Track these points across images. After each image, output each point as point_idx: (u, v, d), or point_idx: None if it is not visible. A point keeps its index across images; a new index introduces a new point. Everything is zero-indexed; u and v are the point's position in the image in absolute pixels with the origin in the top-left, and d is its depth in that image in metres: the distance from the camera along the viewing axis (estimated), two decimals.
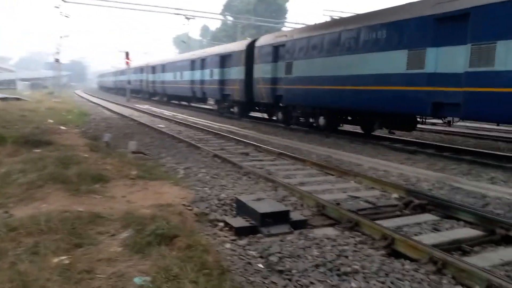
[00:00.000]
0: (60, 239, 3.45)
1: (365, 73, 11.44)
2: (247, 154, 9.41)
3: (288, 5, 57.59)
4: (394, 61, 10.50)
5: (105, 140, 9.86)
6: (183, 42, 50.55)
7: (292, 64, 14.81)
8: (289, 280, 3.30)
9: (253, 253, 3.81)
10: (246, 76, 18.05)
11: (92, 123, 15.90)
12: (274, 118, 17.60)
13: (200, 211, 4.86)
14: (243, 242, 4.06)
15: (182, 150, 9.81)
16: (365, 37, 11.48)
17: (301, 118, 15.25)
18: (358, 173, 7.29)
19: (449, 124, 11.33)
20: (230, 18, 54.31)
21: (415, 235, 4.42)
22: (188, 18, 37.15)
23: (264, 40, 17.40)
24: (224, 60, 20.67)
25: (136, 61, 44.61)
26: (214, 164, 8.11)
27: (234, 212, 4.98)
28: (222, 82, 20.74)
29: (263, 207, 4.45)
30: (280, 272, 3.42)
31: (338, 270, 3.46)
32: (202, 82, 23.60)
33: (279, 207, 4.60)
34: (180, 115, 20.86)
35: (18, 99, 26.08)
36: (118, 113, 20.89)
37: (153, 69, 34.59)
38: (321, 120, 13.89)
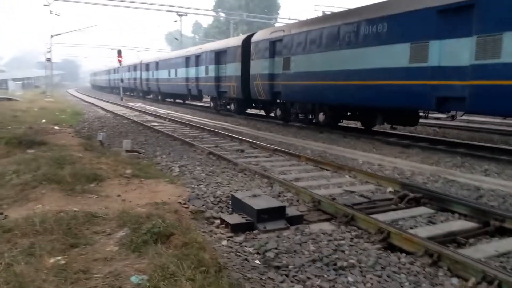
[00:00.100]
0: (56, 239, 3.43)
1: (367, 68, 11.21)
2: (242, 151, 9.41)
3: (280, 1, 57.58)
4: (396, 55, 10.28)
5: (99, 139, 9.81)
6: (175, 39, 50.27)
7: (290, 59, 14.47)
8: (286, 275, 3.31)
9: (250, 249, 3.81)
10: (243, 72, 17.71)
11: (86, 122, 15.81)
12: (272, 115, 17.31)
13: (196, 208, 4.85)
14: (239, 238, 4.07)
15: (177, 148, 9.79)
16: (366, 30, 11.20)
17: (300, 115, 15.02)
18: (353, 168, 7.31)
19: (452, 118, 11.09)
20: (222, 14, 54.13)
21: (411, 228, 4.45)
22: (180, 15, 37.07)
23: (261, 35, 17.02)
24: (219, 56, 20.36)
25: (129, 59, 44.42)
26: (209, 161, 8.10)
27: (230, 209, 4.98)
28: (218, 79, 20.43)
29: (259, 204, 4.46)
30: (277, 268, 3.43)
31: (335, 264, 3.48)
32: (197, 79, 23.29)
33: (275, 203, 4.61)
34: (175, 113, 20.80)
35: (9, 99, 25.87)
36: (111, 112, 20.79)
37: (147, 66, 34.23)
38: (321, 116, 13.68)
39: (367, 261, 3.54)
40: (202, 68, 22.55)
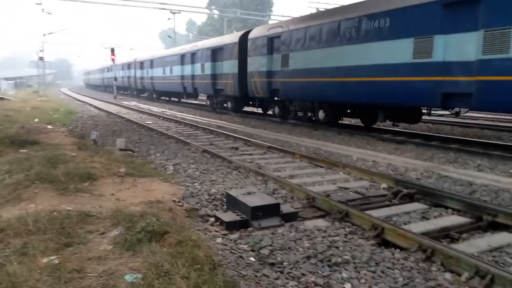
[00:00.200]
0: (49, 239, 3.41)
1: (368, 64, 10.93)
2: (236, 148, 9.40)
3: None
4: (400, 51, 10.02)
5: (93, 138, 9.76)
6: (169, 37, 50.09)
7: (288, 56, 14.19)
8: (281, 272, 3.32)
9: (245, 246, 3.82)
10: (240, 70, 17.38)
11: (79, 121, 15.71)
12: (270, 113, 17.02)
13: (190, 206, 4.85)
14: (234, 236, 4.07)
15: (171, 146, 9.76)
16: (367, 25, 10.92)
17: (299, 112, 14.74)
18: (347, 164, 7.33)
19: (456, 115, 10.77)
20: (216, 12, 53.98)
21: (405, 224, 4.48)
22: (173, 13, 36.91)
23: (258, 31, 16.72)
24: (215, 53, 20.00)
25: (123, 58, 44.15)
26: (204, 159, 8.09)
27: (224, 207, 4.98)
28: (214, 76, 20.11)
29: (254, 201, 4.46)
30: (272, 264, 3.43)
31: (329, 261, 3.49)
32: (193, 77, 22.97)
33: (270, 201, 4.61)
34: (169, 111, 20.74)
35: (2, 98, 25.66)
36: (105, 111, 20.68)
37: (141, 64, 33.96)
38: (321, 114, 13.41)
39: (361, 257, 3.56)
40: (198, 66, 22.23)
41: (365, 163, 7.84)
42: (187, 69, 23.77)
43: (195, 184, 6.02)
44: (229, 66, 18.47)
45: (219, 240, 3.93)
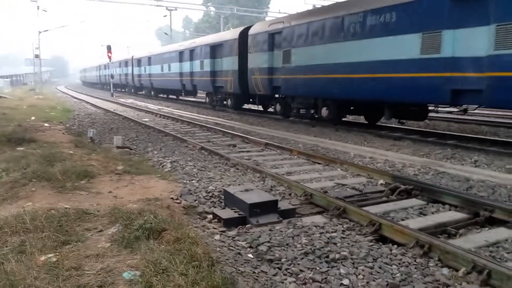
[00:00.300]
0: (47, 236, 3.40)
1: (374, 60, 10.63)
2: (234, 145, 9.40)
3: None
4: (407, 46, 9.70)
5: (90, 135, 9.73)
6: (165, 34, 49.91)
7: (290, 52, 13.82)
8: (279, 268, 3.33)
9: (243, 243, 3.82)
10: (240, 66, 17.05)
11: (76, 119, 15.66)
12: (271, 110, 16.67)
13: (188, 204, 4.84)
14: (232, 233, 4.07)
15: (169, 143, 9.74)
16: (373, 20, 10.56)
17: (301, 110, 14.43)
18: (345, 161, 7.34)
19: (465, 112, 10.50)
20: (212, 8, 53.84)
21: (402, 220, 4.49)
22: (169, 10, 36.81)
23: (259, 27, 16.33)
24: (215, 50, 19.69)
25: (120, 55, 44.02)
26: (201, 156, 8.08)
27: (222, 203, 4.98)
28: (213, 73, 19.81)
29: (252, 198, 4.46)
30: (270, 261, 3.44)
31: (327, 257, 3.50)
32: (191, 74, 22.62)
33: (267, 197, 4.62)
34: (166, 109, 20.70)
35: None
36: (102, 108, 20.61)
37: (139, 62, 33.68)
38: (324, 111, 13.05)
39: (359, 253, 3.57)
40: (197, 63, 21.89)
41: (363, 159, 7.85)
42: (186, 66, 23.43)
43: (193, 181, 6.02)
44: (229, 63, 18.19)
45: (217, 237, 3.93)
